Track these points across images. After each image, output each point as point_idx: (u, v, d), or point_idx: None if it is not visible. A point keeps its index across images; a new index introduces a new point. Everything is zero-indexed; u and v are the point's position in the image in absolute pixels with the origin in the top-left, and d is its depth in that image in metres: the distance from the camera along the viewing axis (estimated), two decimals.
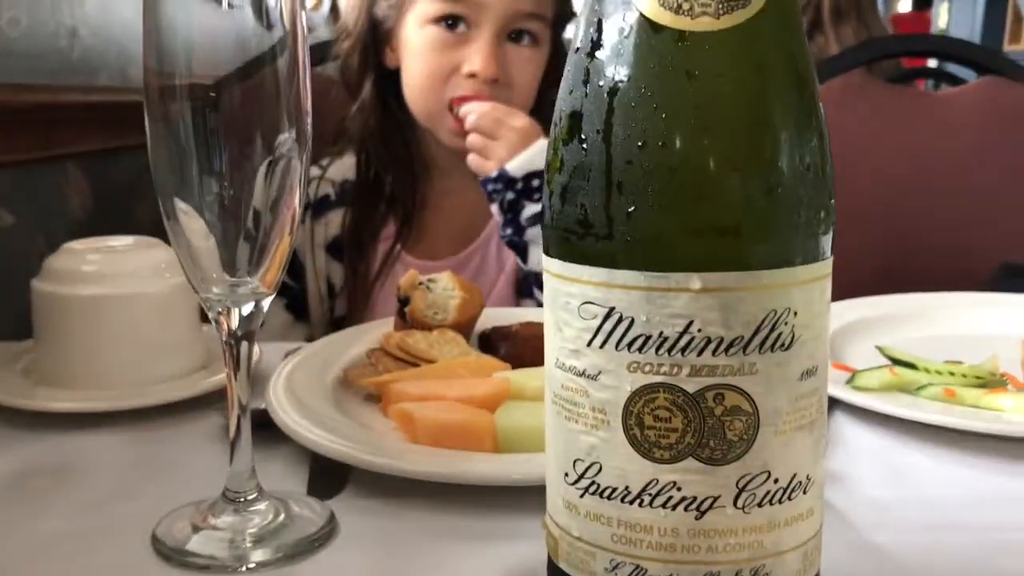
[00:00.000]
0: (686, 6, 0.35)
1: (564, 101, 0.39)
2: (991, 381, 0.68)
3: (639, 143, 0.36)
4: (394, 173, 1.12)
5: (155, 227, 1.59)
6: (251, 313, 0.50)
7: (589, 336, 0.37)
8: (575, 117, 0.38)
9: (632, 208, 0.36)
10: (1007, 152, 1.26)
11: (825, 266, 0.38)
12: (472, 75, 1.05)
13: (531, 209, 1.01)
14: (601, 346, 0.37)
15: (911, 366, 0.68)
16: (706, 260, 0.35)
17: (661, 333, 0.36)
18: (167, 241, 0.51)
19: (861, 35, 1.70)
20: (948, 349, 0.74)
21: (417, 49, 1.08)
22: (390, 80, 1.14)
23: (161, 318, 0.71)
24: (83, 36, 1.36)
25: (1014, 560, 0.49)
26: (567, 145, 0.38)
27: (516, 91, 1.08)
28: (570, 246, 0.38)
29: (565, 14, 1.15)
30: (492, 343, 0.77)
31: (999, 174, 1.26)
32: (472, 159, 1.06)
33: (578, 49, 0.38)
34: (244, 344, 0.50)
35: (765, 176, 0.35)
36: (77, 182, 1.34)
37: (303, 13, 0.50)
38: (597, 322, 0.37)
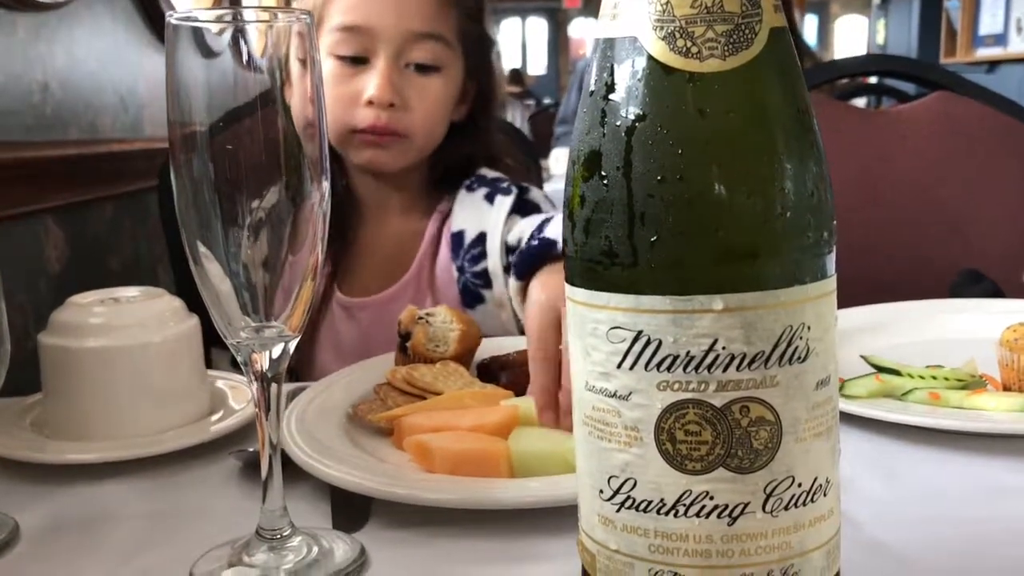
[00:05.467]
0: (695, 50, 0.38)
1: (582, 141, 0.41)
2: (972, 382, 0.71)
3: (658, 178, 0.38)
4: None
5: (129, 275, 1.59)
6: (280, 355, 0.52)
7: (619, 359, 0.40)
8: (594, 155, 0.41)
9: (655, 238, 0.39)
10: (961, 163, 1.32)
11: (831, 283, 0.41)
12: (370, 102, 1.06)
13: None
14: (631, 368, 0.40)
15: (896, 372, 0.72)
16: (727, 282, 0.38)
17: (688, 352, 0.38)
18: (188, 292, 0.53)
19: None
20: (926, 354, 0.78)
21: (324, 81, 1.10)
22: None
23: (169, 367, 0.73)
24: (54, 91, 1.37)
25: (1012, 549, 0.53)
26: (587, 182, 0.41)
27: (417, 114, 1.08)
28: (595, 275, 0.41)
29: (472, 33, 1.14)
30: (491, 372, 0.79)
31: (955, 185, 1.31)
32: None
33: (592, 92, 0.41)
34: (274, 386, 0.52)
35: (776, 203, 0.38)
36: (54, 235, 1.34)
37: (316, 66, 0.52)
38: (626, 345, 0.40)
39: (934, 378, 0.71)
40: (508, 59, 12.24)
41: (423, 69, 1.09)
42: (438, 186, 1.17)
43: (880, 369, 0.73)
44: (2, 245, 1.19)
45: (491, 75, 1.18)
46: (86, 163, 1.44)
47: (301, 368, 1.08)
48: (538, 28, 13.47)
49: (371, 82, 1.06)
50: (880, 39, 6.56)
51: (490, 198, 1.12)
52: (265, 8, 0.53)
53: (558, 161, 3.40)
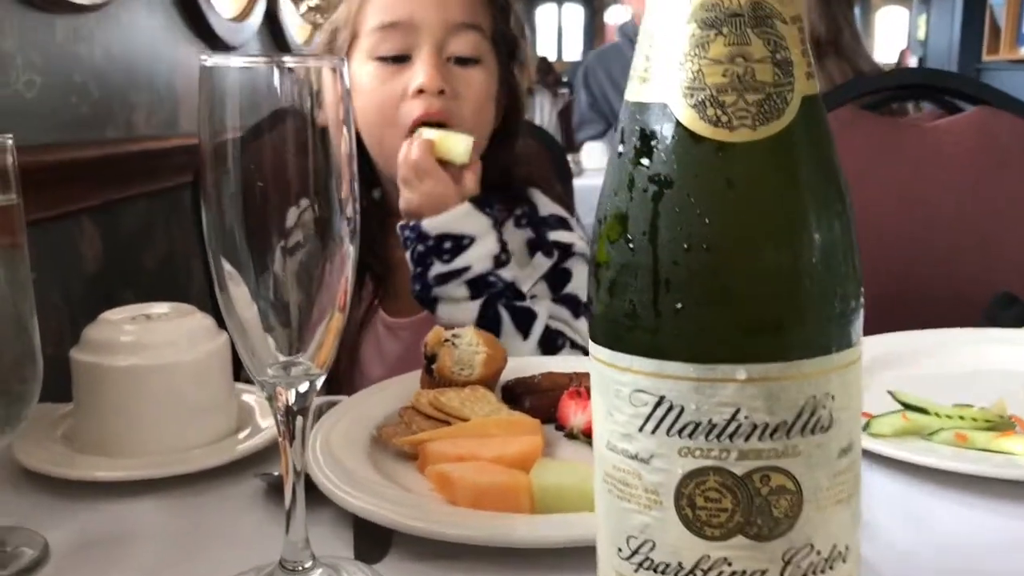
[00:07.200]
0: (724, 118, 0.38)
1: (609, 201, 0.41)
2: (1000, 424, 0.71)
3: (685, 246, 0.38)
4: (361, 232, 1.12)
5: (163, 271, 1.61)
6: (307, 391, 0.53)
7: (640, 422, 0.40)
8: (621, 218, 0.41)
9: (680, 305, 0.39)
10: (1000, 181, 1.30)
11: (857, 350, 0.41)
12: (420, 91, 1.05)
13: (438, 268, 1.03)
14: (653, 432, 0.40)
15: (923, 411, 0.71)
16: (751, 352, 0.38)
17: (710, 420, 0.39)
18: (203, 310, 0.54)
19: (843, 68, 1.73)
20: (956, 387, 0.77)
21: (364, 86, 1.09)
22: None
23: (198, 384, 0.74)
24: (91, 91, 1.38)
25: None
26: (613, 243, 0.41)
27: (467, 104, 1.08)
28: (619, 337, 0.41)
29: (504, 31, 1.15)
30: (516, 395, 0.79)
31: (993, 203, 1.29)
32: (399, 180, 1.06)
33: (621, 154, 0.41)
34: (299, 418, 0.53)
35: (804, 274, 0.38)
36: (89, 234, 1.36)
37: (347, 99, 0.53)
38: (648, 409, 0.40)
39: (962, 418, 0.70)
40: (543, 46, 12.19)
41: (463, 62, 1.09)
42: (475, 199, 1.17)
43: (907, 407, 0.73)
44: (38, 245, 1.21)
45: (516, 80, 1.18)
46: (122, 162, 1.45)
47: (349, 382, 1.09)
48: (574, 15, 13.41)
49: (418, 72, 1.06)
50: (921, 34, 6.46)
51: (532, 248, 1.12)
52: (299, 54, 0.53)
53: (590, 155, 3.38)
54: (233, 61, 0.50)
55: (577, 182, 1.78)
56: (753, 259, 0.38)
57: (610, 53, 3.63)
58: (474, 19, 1.10)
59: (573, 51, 13.19)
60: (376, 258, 1.13)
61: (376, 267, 1.13)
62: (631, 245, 0.40)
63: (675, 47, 0.39)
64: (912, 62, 6.21)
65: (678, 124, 0.39)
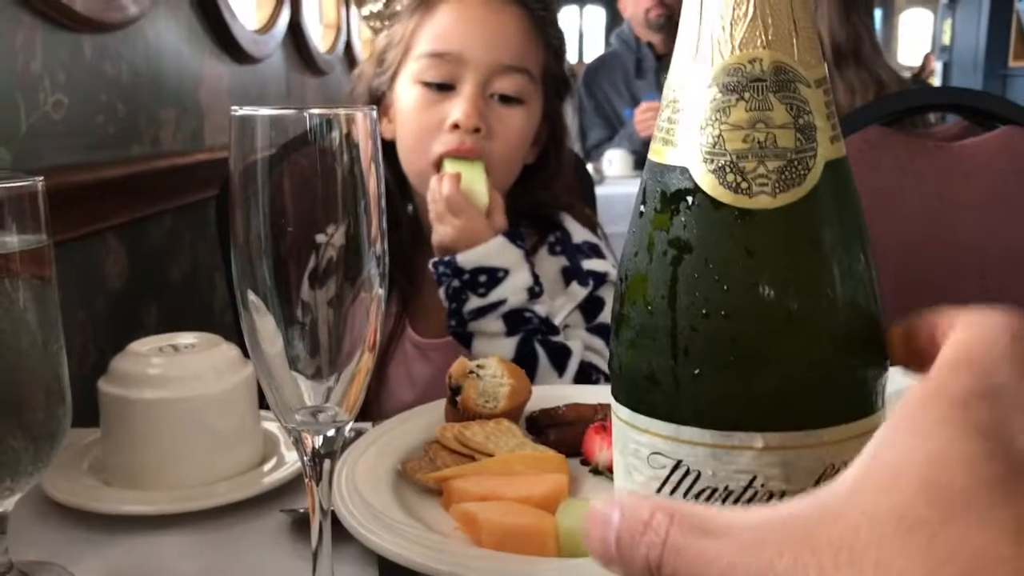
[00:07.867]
0: (744, 185, 0.38)
1: (630, 261, 0.42)
2: None
3: (703, 311, 0.39)
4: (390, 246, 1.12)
5: (187, 285, 1.62)
6: (335, 435, 0.53)
7: (658, 484, 0.40)
8: (641, 279, 0.41)
9: (697, 371, 0.39)
10: None
11: (879, 416, 0.41)
12: (455, 126, 1.07)
13: (474, 303, 1.03)
14: (670, 494, 0.40)
15: None
16: (768, 420, 0.38)
17: (727, 487, 0.39)
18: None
19: (863, 78, 1.73)
20: None
21: (407, 108, 1.12)
22: (387, 151, 1.15)
23: (225, 416, 0.75)
24: (118, 109, 1.40)
25: None
26: (634, 304, 0.41)
27: (499, 142, 1.10)
28: (638, 398, 0.41)
29: (555, 73, 1.17)
30: (541, 428, 0.79)
31: (1021, 221, 1.28)
32: (431, 216, 1.08)
33: (642, 214, 0.41)
34: (327, 461, 0.54)
35: (823, 344, 0.38)
36: (114, 251, 1.38)
37: (376, 132, 0.53)
38: (666, 472, 0.40)
39: None
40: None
41: (507, 100, 1.10)
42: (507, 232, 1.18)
43: None
44: (63, 264, 1.22)
45: (562, 119, 1.19)
46: (147, 179, 1.47)
47: (377, 404, 1.10)
48: (595, 16, 13.39)
49: (457, 107, 1.07)
50: (946, 39, 6.40)
51: (567, 276, 1.12)
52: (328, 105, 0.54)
53: (611, 163, 3.38)
54: (263, 111, 0.51)
55: (599, 190, 1.78)
56: (771, 328, 0.38)
57: (609, 59, 3.65)
58: (523, 62, 1.11)
59: (594, 54, 13.16)
60: (405, 273, 1.14)
61: (404, 282, 1.14)
62: (650, 308, 0.40)
63: (697, 111, 0.39)
64: (936, 67, 6.16)
65: (698, 189, 0.39)
